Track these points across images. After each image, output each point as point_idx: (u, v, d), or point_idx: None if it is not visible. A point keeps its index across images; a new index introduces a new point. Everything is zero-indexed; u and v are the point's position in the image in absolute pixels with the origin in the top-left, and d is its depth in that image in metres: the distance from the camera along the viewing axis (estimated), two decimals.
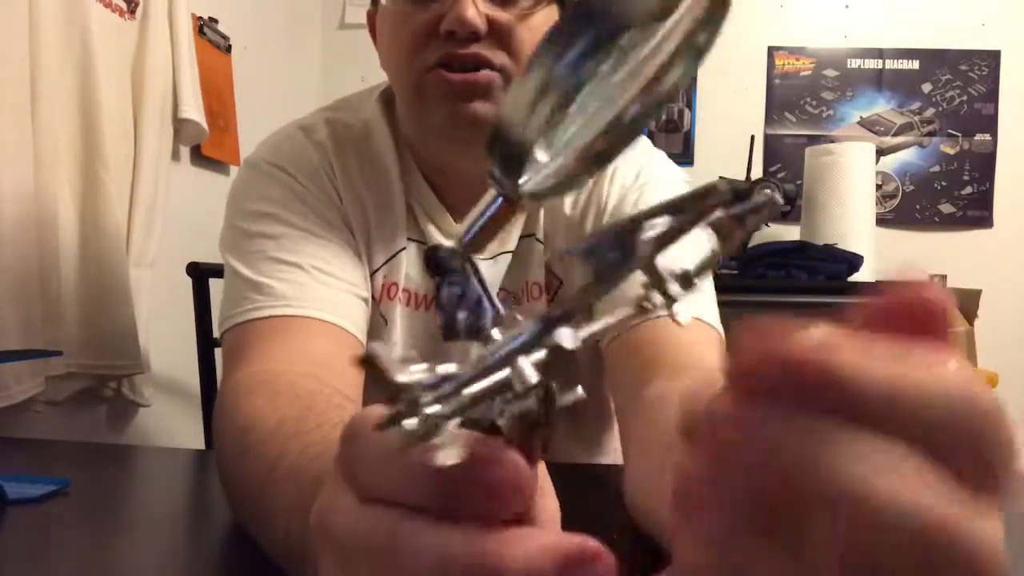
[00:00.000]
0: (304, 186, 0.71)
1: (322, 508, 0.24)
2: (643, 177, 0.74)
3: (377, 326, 0.75)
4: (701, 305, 0.68)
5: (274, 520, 0.39)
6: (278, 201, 0.70)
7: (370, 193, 0.74)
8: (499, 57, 0.64)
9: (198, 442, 1.38)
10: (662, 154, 0.79)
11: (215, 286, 1.35)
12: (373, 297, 0.74)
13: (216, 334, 1.35)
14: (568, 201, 0.75)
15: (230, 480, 0.50)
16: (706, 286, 0.70)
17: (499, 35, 0.64)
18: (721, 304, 0.74)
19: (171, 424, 1.53)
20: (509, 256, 0.75)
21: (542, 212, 0.75)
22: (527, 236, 0.75)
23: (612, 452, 0.89)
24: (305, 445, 0.40)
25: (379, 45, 0.73)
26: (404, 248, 0.75)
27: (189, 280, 1.34)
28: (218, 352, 1.35)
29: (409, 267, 0.75)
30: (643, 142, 0.78)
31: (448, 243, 0.23)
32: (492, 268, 0.74)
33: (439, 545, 0.20)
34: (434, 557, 0.20)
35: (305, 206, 0.70)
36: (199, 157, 1.65)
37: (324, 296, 0.66)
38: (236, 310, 0.65)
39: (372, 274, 0.74)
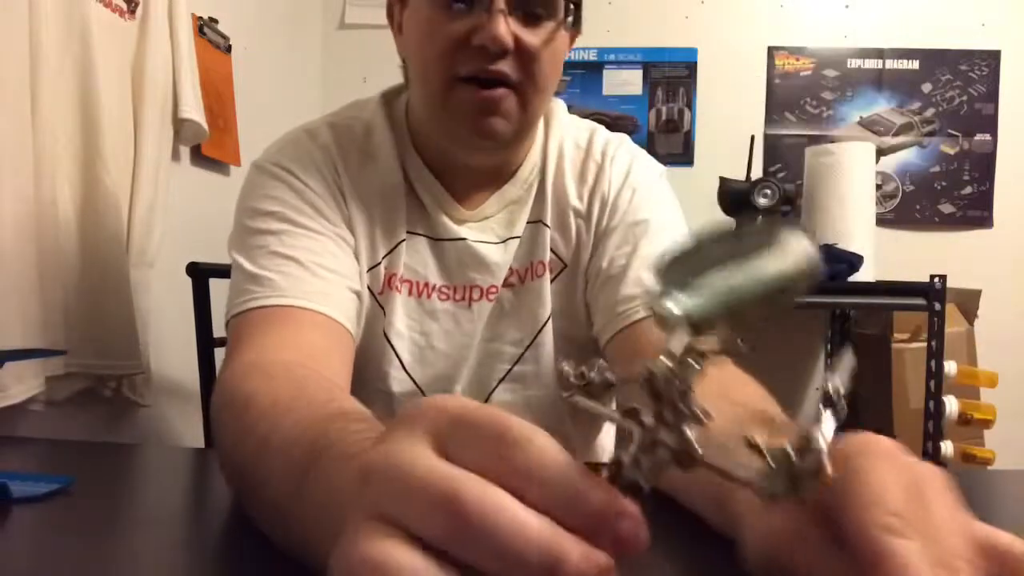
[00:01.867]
0: (307, 186, 0.74)
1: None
2: (632, 176, 0.81)
3: (376, 316, 0.78)
4: None
5: (265, 486, 0.43)
6: (281, 200, 0.73)
7: (373, 191, 0.77)
8: (519, 75, 0.70)
9: (198, 442, 1.38)
10: (642, 151, 0.85)
11: (215, 286, 1.35)
12: (374, 289, 0.78)
13: (218, 332, 1.36)
14: (573, 192, 0.80)
15: (228, 456, 0.52)
16: None
17: (524, 56, 0.69)
18: None
19: (171, 424, 1.53)
20: (517, 241, 0.80)
21: (549, 200, 0.80)
22: (535, 222, 0.80)
23: (600, 451, 0.92)
24: (296, 421, 0.43)
25: (404, 39, 0.76)
26: (404, 240, 0.78)
27: (189, 280, 1.34)
28: (218, 352, 1.36)
29: (408, 257, 0.79)
30: (624, 139, 0.84)
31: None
32: (502, 252, 0.79)
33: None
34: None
35: (307, 205, 0.74)
36: (199, 157, 1.65)
37: (318, 288, 0.69)
38: (237, 301, 0.68)
39: (375, 267, 0.77)
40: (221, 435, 0.54)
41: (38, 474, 0.60)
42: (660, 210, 0.80)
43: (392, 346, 0.79)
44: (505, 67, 0.69)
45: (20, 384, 1.04)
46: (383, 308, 0.78)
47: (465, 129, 0.71)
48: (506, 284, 0.80)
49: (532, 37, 0.69)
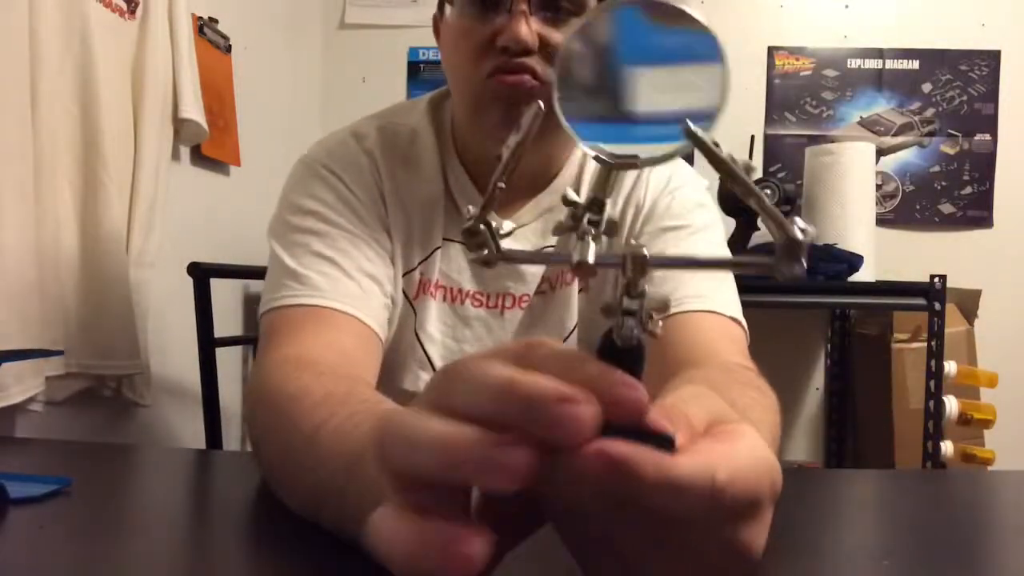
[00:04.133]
0: (351, 190, 0.77)
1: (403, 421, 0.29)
2: (673, 182, 0.82)
3: (408, 318, 0.81)
4: (725, 300, 0.76)
5: (320, 464, 0.46)
6: (326, 202, 0.76)
7: (414, 197, 0.79)
8: (547, 71, 0.71)
9: (198, 442, 1.38)
10: (688, 166, 0.87)
11: (215, 286, 1.35)
12: (408, 293, 0.80)
13: (219, 332, 1.36)
14: (607, 201, 0.79)
15: (269, 443, 0.55)
16: (728, 281, 0.80)
17: (550, 53, 0.71)
18: None
19: (171, 424, 1.53)
20: (551, 250, 0.81)
21: None
22: None
23: None
24: (351, 413, 0.47)
25: (442, 51, 0.79)
26: (440, 247, 0.80)
27: (189, 280, 1.34)
28: (218, 352, 1.36)
29: (443, 264, 0.81)
30: None
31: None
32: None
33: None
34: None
35: (349, 209, 0.76)
36: (199, 157, 1.65)
37: (354, 292, 0.72)
38: (276, 295, 0.72)
39: (409, 272, 0.80)
40: (264, 417, 0.57)
41: (36, 475, 0.60)
42: (696, 216, 0.81)
43: (424, 349, 0.81)
44: (530, 61, 0.70)
45: (20, 384, 1.04)
46: (415, 311, 0.81)
47: (497, 119, 0.73)
48: (538, 292, 0.82)
49: (558, 35, 0.70)
